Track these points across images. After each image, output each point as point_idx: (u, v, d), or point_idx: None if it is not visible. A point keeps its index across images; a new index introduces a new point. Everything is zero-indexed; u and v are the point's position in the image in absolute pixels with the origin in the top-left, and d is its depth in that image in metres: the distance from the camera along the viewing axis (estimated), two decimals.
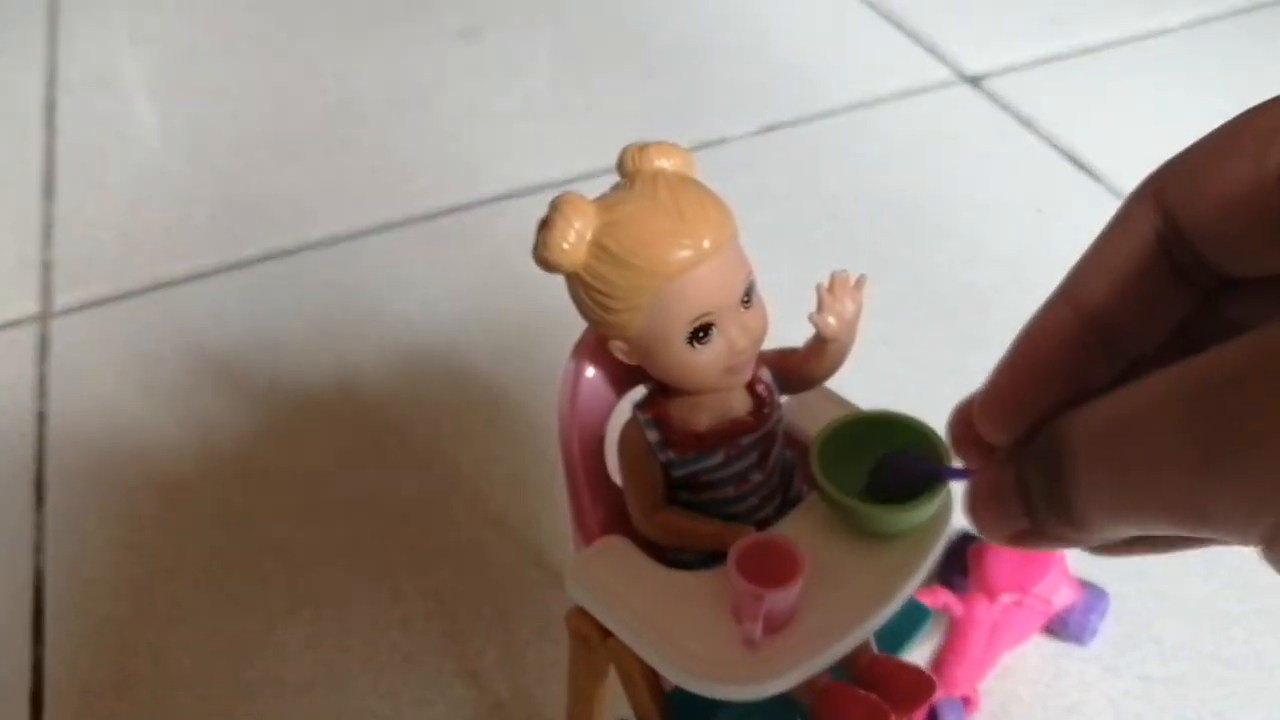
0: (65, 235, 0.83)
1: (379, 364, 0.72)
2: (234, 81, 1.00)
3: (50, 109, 0.97)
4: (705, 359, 0.32)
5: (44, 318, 0.76)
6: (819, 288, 0.33)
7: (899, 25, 1.01)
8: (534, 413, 0.68)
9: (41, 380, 0.72)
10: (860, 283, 0.33)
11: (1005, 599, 0.50)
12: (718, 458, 0.35)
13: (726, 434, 0.35)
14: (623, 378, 0.37)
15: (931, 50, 0.97)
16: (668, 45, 1.01)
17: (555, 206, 0.32)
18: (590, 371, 0.37)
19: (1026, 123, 0.88)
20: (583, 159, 0.86)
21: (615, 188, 0.33)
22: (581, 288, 0.32)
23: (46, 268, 0.80)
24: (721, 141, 0.88)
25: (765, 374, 0.36)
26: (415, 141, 0.91)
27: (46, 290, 0.78)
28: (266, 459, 0.66)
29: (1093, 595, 0.54)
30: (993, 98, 0.91)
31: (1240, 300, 0.21)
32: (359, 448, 0.67)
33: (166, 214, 0.85)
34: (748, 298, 0.33)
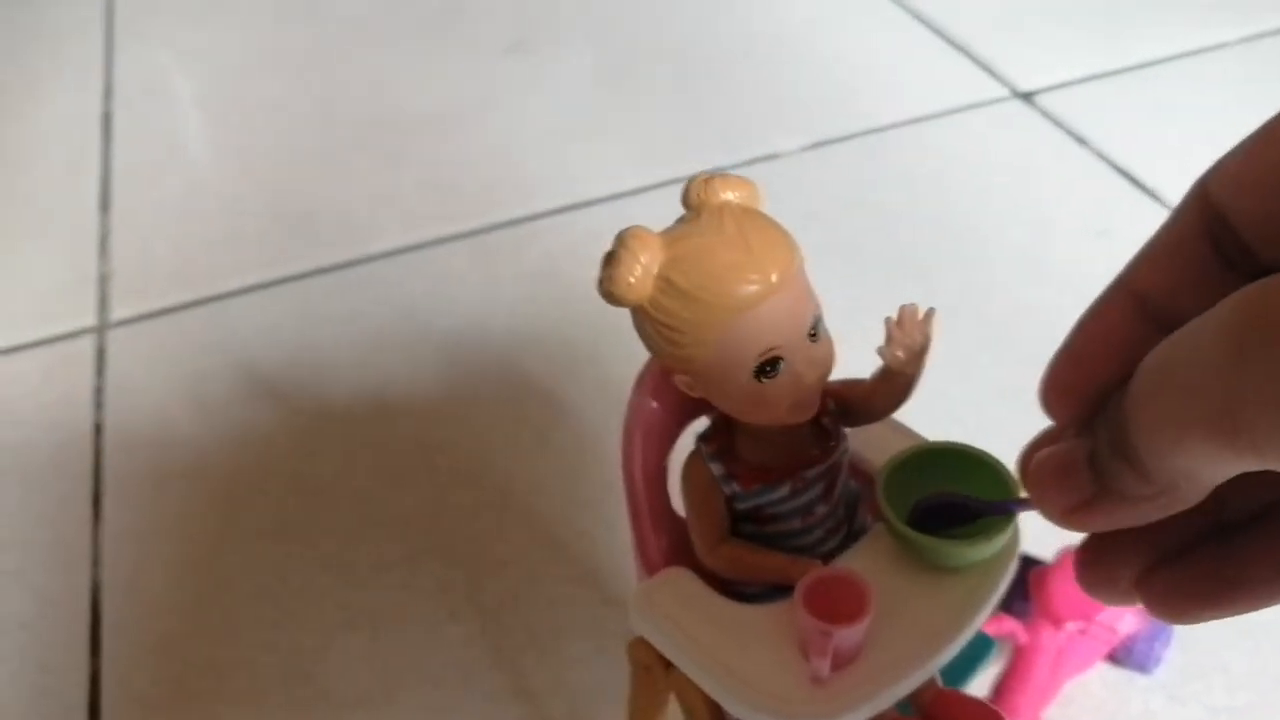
0: (121, 248, 0.85)
1: (429, 380, 0.72)
2: (285, 96, 1.01)
3: (106, 122, 0.98)
4: (772, 393, 0.32)
5: (101, 330, 0.77)
6: (887, 321, 0.33)
7: (951, 40, 1.00)
8: (585, 429, 0.68)
9: (99, 392, 0.73)
10: (929, 316, 0.33)
11: (1071, 626, 0.49)
12: (783, 491, 0.34)
13: (792, 467, 0.34)
14: (686, 409, 0.37)
15: (984, 66, 0.97)
16: (716, 60, 1.01)
17: (621, 240, 0.32)
18: (654, 404, 0.37)
19: (1080, 139, 0.87)
20: (631, 174, 0.86)
21: (680, 220, 0.33)
22: (647, 321, 0.32)
23: (103, 280, 0.82)
24: (771, 157, 0.88)
25: (830, 405, 0.35)
26: (463, 156, 0.92)
27: (103, 302, 0.79)
28: (320, 475, 0.67)
29: (1158, 623, 0.53)
30: (1046, 114, 0.90)
31: None
32: (411, 464, 0.67)
33: (218, 227, 0.86)
34: (814, 331, 0.32)
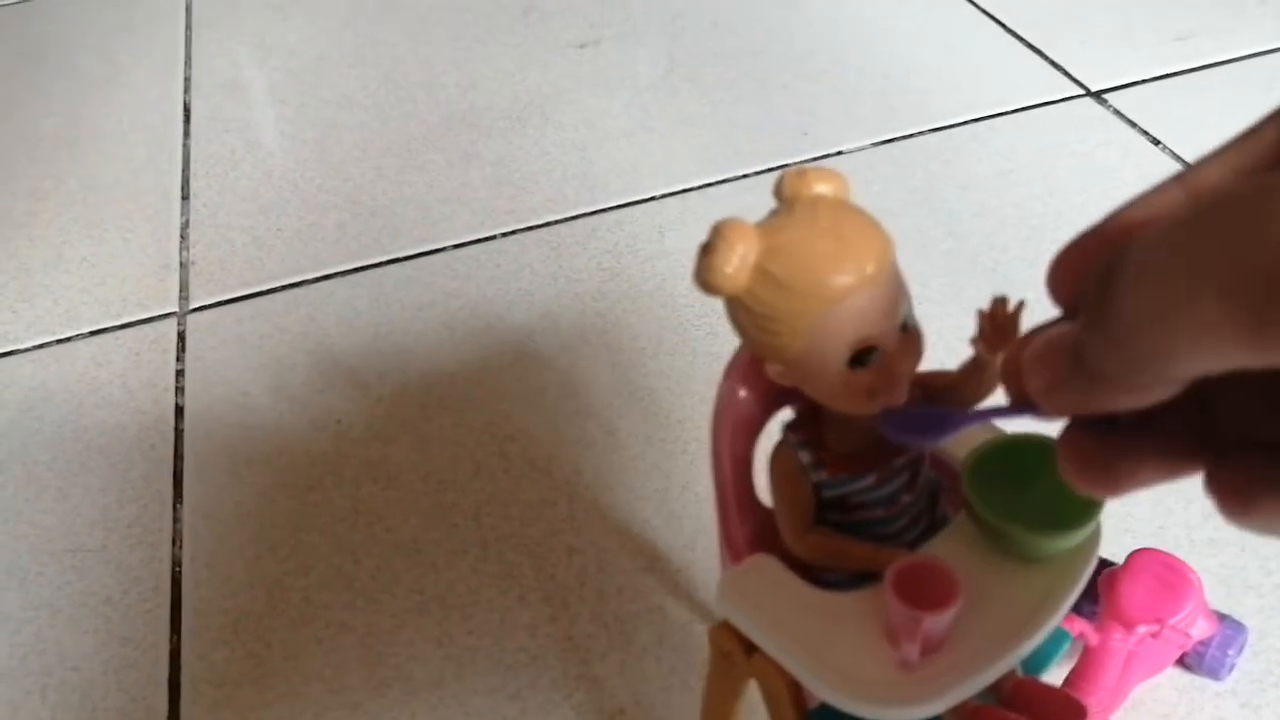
0: (200, 237, 0.86)
1: (500, 370, 0.73)
2: (359, 91, 1.02)
3: (187, 115, 1.00)
4: (864, 382, 0.32)
5: (182, 315, 0.79)
6: (980, 313, 0.33)
7: (1022, 39, 1.00)
8: (650, 421, 0.69)
9: (180, 375, 0.75)
10: (1020, 308, 0.33)
11: (1142, 629, 0.49)
12: (870, 480, 0.35)
13: (879, 457, 0.35)
14: (773, 398, 0.38)
15: (1056, 64, 0.96)
16: (784, 57, 1.01)
17: (717, 231, 0.32)
18: (743, 392, 0.37)
19: (1153, 138, 0.86)
20: (699, 170, 0.86)
21: (774, 213, 0.34)
22: (743, 311, 0.33)
23: (184, 267, 0.83)
24: (836, 154, 0.88)
25: (918, 395, 0.36)
26: (535, 151, 0.93)
27: (184, 289, 0.81)
28: (394, 460, 0.68)
29: (1231, 629, 0.52)
30: (1118, 113, 0.90)
31: None
32: (483, 452, 0.68)
33: (295, 217, 0.88)
34: (906, 322, 0.33)
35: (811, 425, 0.35)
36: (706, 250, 0.32)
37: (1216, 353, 0.16)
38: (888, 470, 0.35)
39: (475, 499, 0.66)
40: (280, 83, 1.05)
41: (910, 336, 0.33)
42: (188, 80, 1.05)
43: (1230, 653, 0.52)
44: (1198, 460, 0.21)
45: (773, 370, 0.34)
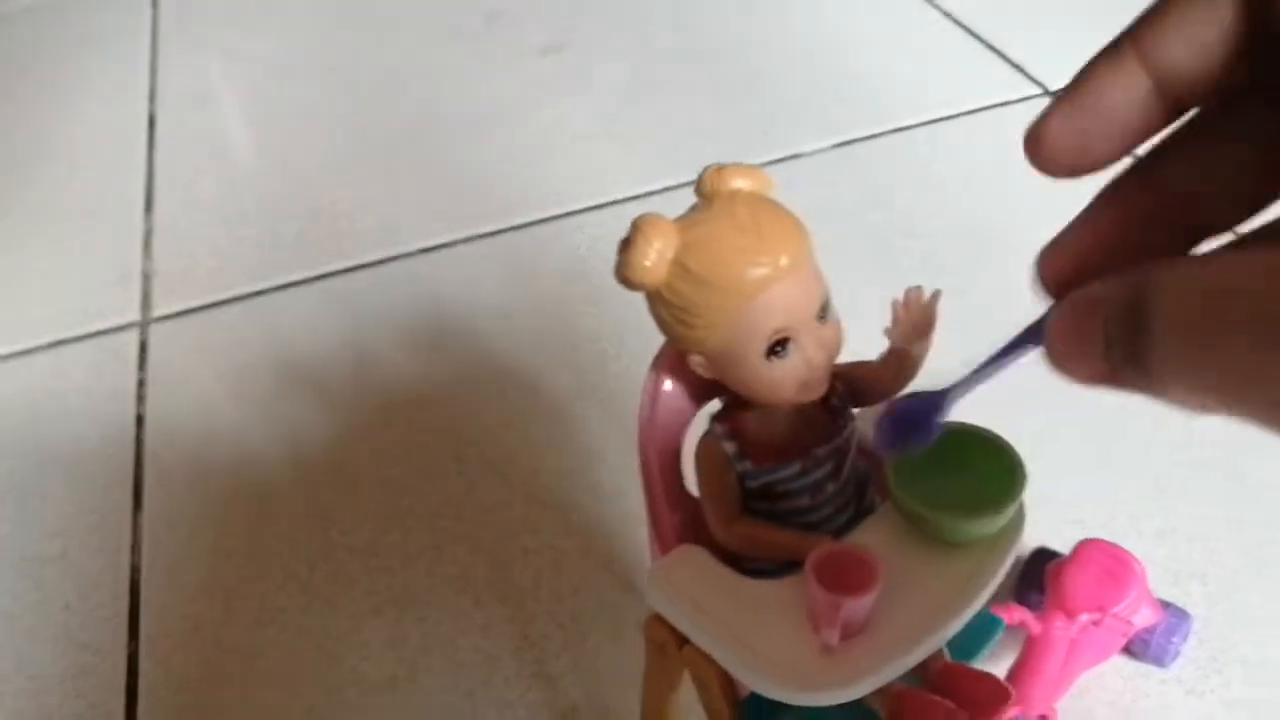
0: (163, 246, 0.87)
1: (461, 374, 0.74)
2: (323, 100, 1.03)
3: (151, 125, 1.01)
4: (782, 372, 0.33)
5: (144, 325, 0.79)
6: (894, 303, 0.34)
7: (980, 39, 1.01)
8: (607, 424, 0.69)
9: (141, 385, 0.75)
10: (935, 297, 0.34)
11: (1084, 618, 0.50)
12: (794, 468, 0.35)
13: (802, 446, 0.35)
14: (700, 391, 0.38)
15: (1013, 63, 0.97)
16: (745, 61, 1.02)
17: (636, 226, 0.33)
18: (669, 385, 0.38)
19: None
20: (660, 174, 0.87)
21: (694, 208, 0.34)
22: (662, 305, 0.33)
23: (146, 277, 0.84)
24: (796, 156, 0.89)
25: (839, 386, 0.36)
26: (497, 156, 0.93)
27: (146, 299, 0.82)
28: (353, 465, 0.68)
29: (1175, 617, 0.53)
30: None
31: None
32: (441, 456, 0.68)
33: (257, 226, 0.88)
34: (823, 313, 0.33)
35: (736, 416, 0.36)
36: (625, 245, 0.33)
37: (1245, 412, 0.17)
38: (811, 459, 0.35)
39: (432, 502, 0.66)
40: (244, 93, 1.05)
41: (828, 327, 0.34)
42: (152, 91, 1.05)
43: (1175, 640, 0.53)
44: None
45: (694, 363, 0.34)
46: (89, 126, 1.02)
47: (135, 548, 0.65)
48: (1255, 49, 0.20)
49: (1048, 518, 0.55)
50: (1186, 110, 0.22)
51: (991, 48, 1.00)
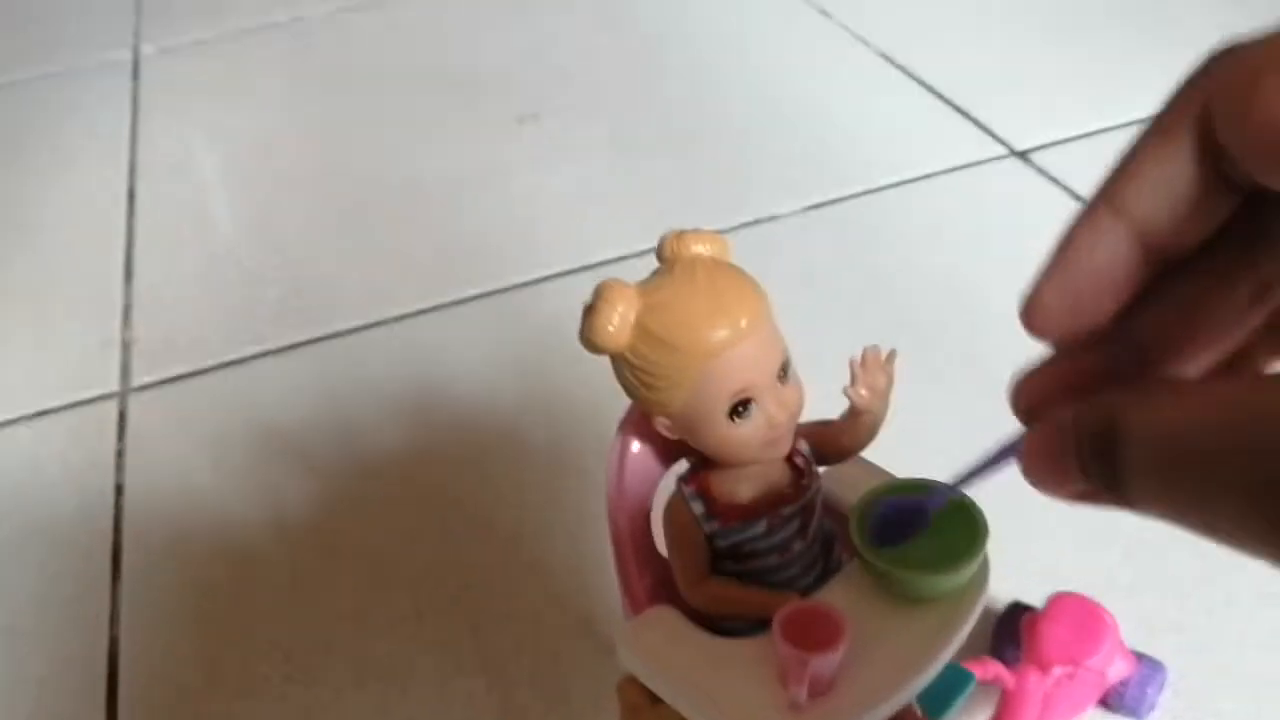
0: (143, 316, 0.87)
1: (442, 439, 0.74)
2: (303, 169, 1.04)
3: (131, 197, 1.02)
4: (745, 432, 0.34)
5: (123, 395, 0.80)
6: (851, 362, 0.35)
7: (947, 101, 1.03)
8: (589, 487, 0.70)
9: (120, 455, 0.75)
10: (891, 356, 0.35)
11: (1057, 671, 0.50)
12: (760, 528, 0.36)
13: (768, 505, 0.36)
14: (667, 452, 0.39)
15: (981, 125, 0.99)
16: (719, 127, 1.04)
17: (599, 292, 0.34)
18: (636, 446, 0.38)
19: (1076, 195, 0.89)
20: (637, 237, 0.88)
21: (655, 273, 0.35)
22: (626, 368, 0.34)
23: (126, 347, 0.84)
24: (770, 219, 0.90)
25: (803, 446, 0.37)
26: (476, 222, 0.94)
27: (126, 368, 0.82)
28: (335, 532, 0.68)
29: (1149, 668, 0.53)
30: (1042, 171, 0.92)
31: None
32: (423, 521, 0.69)
33: (239, 295, 0.89)
34: (784, 374, 0.34)
35: (703, 476, 0.37)
36: (589, 310, 0.34)
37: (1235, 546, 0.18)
38: (778, 518, 0.36)
39: (414, 568, 0.66)
40: (224, 163, 1.06)
41: (789, 388, 0.34)
42: (133, 162, 1.07)
43: (1149, 691, 0.53)
44: None
45: (660, 424, 0.35)
46: (70, 197, 1.03)
47: (114, 618, 0.65)
48: (1219, 195, 0.21)
49: (1021, 572, 0.56)
50: (1172, 258, 0.22)
51: (958, 109, 1.02)
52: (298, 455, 0.74)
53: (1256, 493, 0.17)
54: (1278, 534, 0.17)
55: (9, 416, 0.79)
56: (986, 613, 0.58)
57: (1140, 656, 0.54)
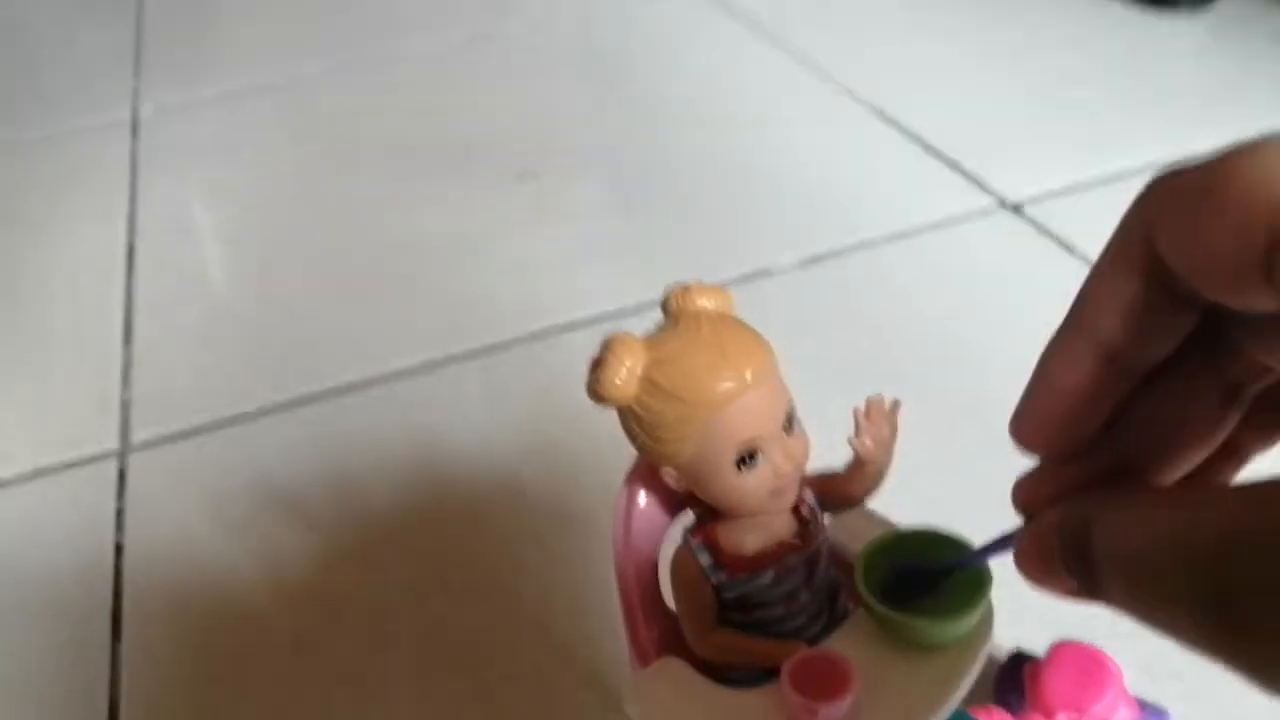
0: (142, 375, 0.88)
1: (442, 496, 0.74)
2: (302, 228, 1.05)
3: (130, 255, 1.02)
4: (752, 483, 0.34)
5: (123, 453, 0.80)
6: (855, 411, 0.35)
7: (940, 155, 1.04)
8: (591, 541, 0.70)
9: (119, 513, 0.75)
10: (895, 406, 0.36)
11: (1061, 717, 0.50)
12: (767, 578, 0.36)
13: (775, 555, 0.36)
14: (673, 504, 0.39)
15: (973, 179, 1.00)
16: (714, 183, 1.05)
17: (607, 345, 0.34)
18: (642, 498, 0.39)
19: (1068, 247, 0.90)
20: (633, 293, 0.89)
21: (661, 327, 0.36)
22: (634, 420, 0.35)
23: (125, 406, 0.84)
24: (766, 274, 0.91)
25: (809, 496, 0.37)
26: (474, 279, 0.95)
27: (125, 427, 0.82)
28: (336, 590, 0.68)
29: (1153, 714, 0.53)
30: (1034, 223, 0.93)
31: (1239, 320, 0.23)
32: (424, 578, 0.68)
33: (238, 353, 0.89)
34: (789, 424, 0.35)
35: (709, 527, 0.37)
36: (596, 364, 0.34)
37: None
38: (784, 568, 0.36)
39: (416, 626, 0.66)
40: (223, 222, 1.07)
41: (794, 438, 0.35)
42: (131, 221, 1.08)
43: None
44: None
45: (667, 475, 0.35)
46: (69, 256, 1.04)
47: (114, 680, 0.64)
48: (1176, 310, 0.23)
49: (1022, 621, 0.56)
50: (1144, 371, 0.24)
51: (949, 162, 1.03)
52: (298, 513, 0.74)
53: (1197, 605, 0.18)
54: (1221, 644, 0.18)
55: (7, 475, 0.79)
56: (989, 662, 0.58)
57: (1144, 704, 0.54)
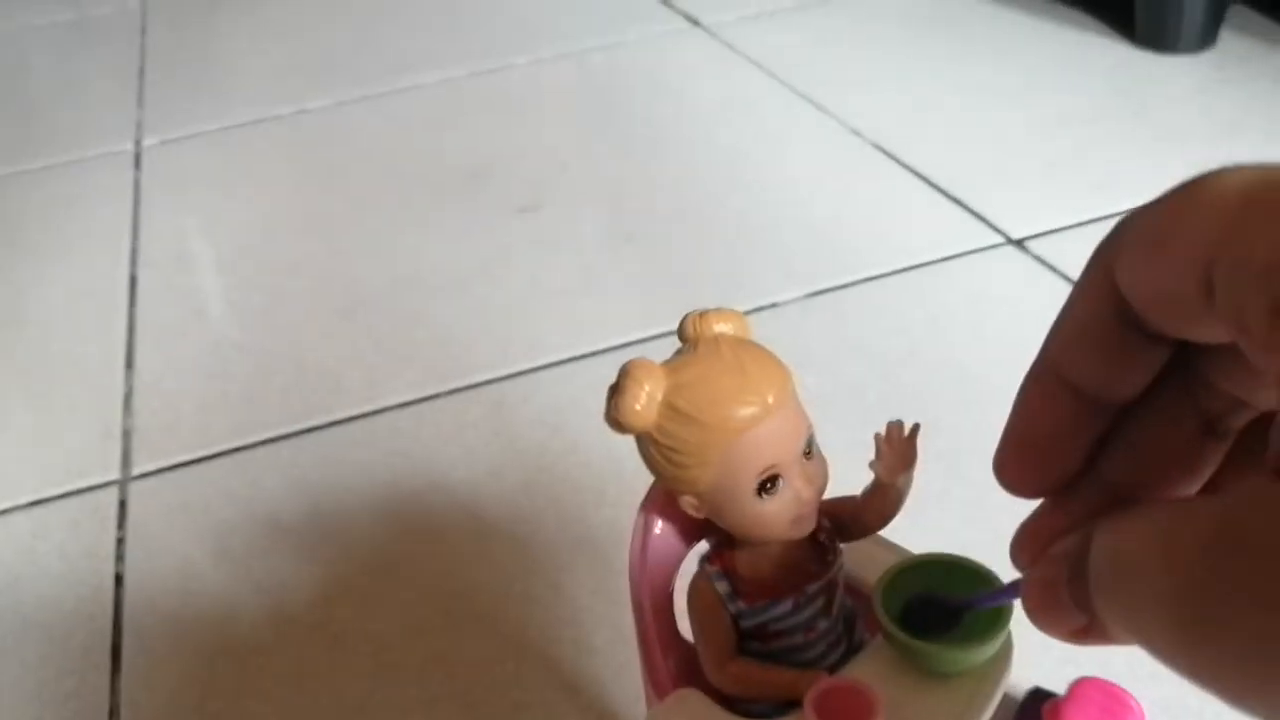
0: (144, 404, 0.87)
1: (446, 528, 0.74)
2: (305, 258, 1.05)
3: (133, 285, 1.02)
4: (774, 509, 0.34)
5: (124, 483, 0.79)
6: (876, 436, 0.35)
7: (944, 191, 1.05)
8: (596, 575, 0.69)
9: (120, 544, 0.74)
10: (914, 430, 0.35)
11: None
12: (786, 606, 0.36)
13: (794, 583, 0.36)
14: (690, 532, 0.39)
15: (977, 214, 1.01)
16: (717, 216, 1.05)
17: (626, 371, 0.34)
18: (659, 526, 0.38)
19: (1072, 282, 0.90)
20: (637, 325, 0.89)
21: (678, 353, 0.35)
22: (653, 446, 0.34)
23: (127, 435, 0.84)
24: (771, 306, 0.91)
25: (826, 522, 0.37)
26: (478, 310, 0.95)
27: (126, 456, 0.82)
28: (340, 622, 0.68)
29: None
30: (1039, 259, 0.93)
31: (1205, 353, 0.23)
32: (428, 611, 0.68)
33: (240, 383, 0.89)
34: (809, 449, 0.34)
35: (726, 555, 0.37)
36: (615, 390, 0.34)
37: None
38: (803, 596, 0.36)
39: (421, 658, 0.65)
40: (226, 253, 1.07)
41: (814, 463, 0.35)
42: (134, 251, 1.08)
43: None
44: None
45: (686, 503, 0.35)
46: (71, 286, 1.04)
47: (114, 712, 0.64)
48: (1146, 345, 0.23)
49: (1042, 658, 0.55)
50: (1121, 405, 0.24)
51: (953, 199, 1.03)
52: (299, 544, 0.73)
53: (1174, 601, 0.18)
54: (1193, 647, 0.18)
55: (6, 505, 0.78)
56: (1008, 699, 0.57)
57: None
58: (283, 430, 0.83)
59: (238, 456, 0.81)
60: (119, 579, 0.72)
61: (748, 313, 0.88)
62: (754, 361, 0.34)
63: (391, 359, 0.90)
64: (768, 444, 0.33)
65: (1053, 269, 0.92)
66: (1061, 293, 0.88)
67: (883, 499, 0.36)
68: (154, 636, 0.68)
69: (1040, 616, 0.24)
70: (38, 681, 0.65)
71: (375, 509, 0.76)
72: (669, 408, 0.33)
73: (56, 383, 0.91)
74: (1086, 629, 0.22)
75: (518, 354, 0.89)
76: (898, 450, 0.35)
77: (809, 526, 0.35)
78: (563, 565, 0.70)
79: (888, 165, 1.10)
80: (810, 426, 0.35)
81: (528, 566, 0.70)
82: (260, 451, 0.82)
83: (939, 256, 0.95)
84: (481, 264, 1.01)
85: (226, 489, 0.78)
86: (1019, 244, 0.96)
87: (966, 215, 1.01)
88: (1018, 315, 0.88)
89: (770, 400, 0.33)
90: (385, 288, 0.99)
